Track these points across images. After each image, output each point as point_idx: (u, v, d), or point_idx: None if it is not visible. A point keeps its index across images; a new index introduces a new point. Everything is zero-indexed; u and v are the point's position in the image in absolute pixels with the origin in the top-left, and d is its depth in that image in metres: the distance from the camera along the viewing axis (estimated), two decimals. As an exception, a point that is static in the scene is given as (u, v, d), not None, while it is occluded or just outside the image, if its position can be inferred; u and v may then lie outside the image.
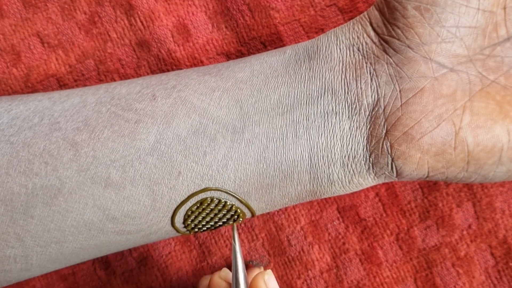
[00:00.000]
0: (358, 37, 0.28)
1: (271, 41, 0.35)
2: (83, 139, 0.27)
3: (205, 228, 0.30)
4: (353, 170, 0.28)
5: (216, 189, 0.28)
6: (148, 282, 0.35)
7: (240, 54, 0.35)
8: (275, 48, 0.35)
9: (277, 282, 0.35)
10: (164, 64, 0.35)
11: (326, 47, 0.28)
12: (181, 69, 0.35)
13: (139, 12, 0.35)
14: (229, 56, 0.35)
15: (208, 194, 0.28)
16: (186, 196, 0.28)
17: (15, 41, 0.35)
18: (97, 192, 0.27)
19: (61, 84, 0.35)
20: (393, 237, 0.35)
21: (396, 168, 0.27)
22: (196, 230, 0.30)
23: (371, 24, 0.28)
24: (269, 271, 0.28)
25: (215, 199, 0.28)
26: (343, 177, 0.28)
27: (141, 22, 0.35)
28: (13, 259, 0.28)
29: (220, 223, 0.30)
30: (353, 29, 0.28)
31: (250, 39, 0.35)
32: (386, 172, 0.28)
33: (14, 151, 0.27)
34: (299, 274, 0.35)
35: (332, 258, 0.35)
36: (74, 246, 0.29)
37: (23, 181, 0.27)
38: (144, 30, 0.35)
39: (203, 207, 0.29)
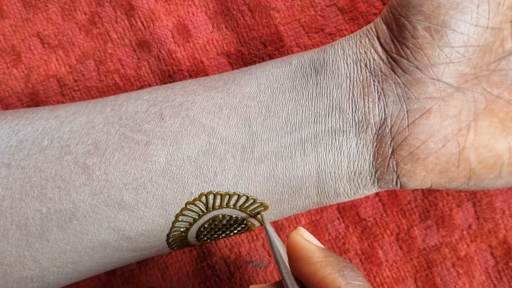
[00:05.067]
0: (365, 52, 0.28)
1: (271, 41, 0.35)
2: (94, 163, 0.27)
3: (217, 239, 0.31)
4: (358, 184, 0.28)
5: (227, 207, 0.28)
6: (148, 282, 0.35)
7: (240, 54, 0.35)
8: (275, 48, 0.35)
9: (278, 282, 0.35)
10: (165, 64, 0.35)
11: (333, 61, 0.28)
12: (181, 69, 0.35)
13: (139, 13, 0.35)
14: (229, 56, 0.35)
15: (219, 212, 0.28)
16: (198, 215, 0.28)
17: (16, 42, 0.35)
18: (111, 214, 0.27)
19: (61, 84, 0.35)
20: (393, 237, 0.35)
21: (400, 183, 0.28)
22: (208, 241, 0.31)
23: (378, 39, 0.28)
24: (300, 227, 0.27)
25: (226, 215, 0.29)
26: (349, 190, 0.29)
27: (142, 22, 0.35)
28: (30, 279, 0.29)
29: (231, 234, 0.31)
30: (360, 42, 0.28)
31: (250, 39, 0.35)
32: (390, 186, 0.28)
33: (26, 176, 0.28)
34: (300, 274, 0.35)
35: (332, 258, 0.35)
36: (90, 264, 0.29)
37: (37, 206, 0.27)
38: (144, 31, 0.35)
39: (215, 223, 0.29)
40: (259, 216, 0.29)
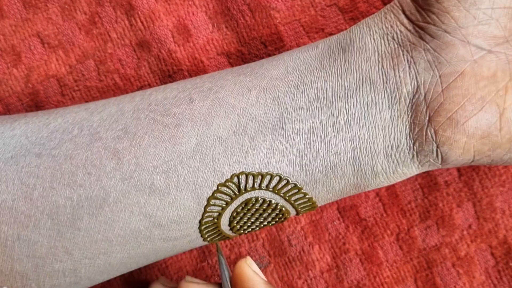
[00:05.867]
0: (391, 26, 0.27)
1: (272, 41, 0.35)
2: (124, 147, 0.27)
3: (250, 229, 0.30)
4: (397, 160, 0.28)
5: (260, 189, 0.28)
6: (148, 282, 0.35)
7: (240, 54, 0.35)
8: (275, 48, 0.35)
9: (278, 282, 0.35)
10: (165, 64, 0.35)
11: (359, 38, 0.28)
12: (181, 69, 0.35)
13: (139, 13, 0.35)
14: (229, 56, 0.35)
15: (252, 194, 0.28)
16: (230, 198, 0.28)
17: (16, 42, 0.35)
18: (142, 200, 0.27)
19: (62, 84, 0.35)
20: (394, 237, 0.35)
21: (441, 155, 0.27)
22: (242, 231, 0.30)
23: (403, 12, 0.27)
24: (249, 257, 0.28)
25: (259, 198, 0.28)
26: (387, 168, 0.28)
27: (142, 22, 0.35)
28: (62, 273, 0.28)
29: (265, 223, 0.30)
30: (385, 18, 0.28)
31: (251, 39, 0.35)
32: (430, 160, 0.27)
33: (57, 164, 0.27)
34: (300, 274, 0.35)
35: (333, 258, 0.35)
36: (122, 255, 0.29)
37: (67, 193, 0.27)
38: (144, 31, 0.35)
39: (248, 207, 0.28)
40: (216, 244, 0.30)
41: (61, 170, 0.27)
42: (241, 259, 0.28)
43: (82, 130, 0.28)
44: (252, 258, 0.35)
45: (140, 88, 0.35)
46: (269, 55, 0.35)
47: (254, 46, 0.35)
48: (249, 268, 0.26)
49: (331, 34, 0.35)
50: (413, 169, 0.28)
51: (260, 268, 0.35)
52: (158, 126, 0.28)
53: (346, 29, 0.35)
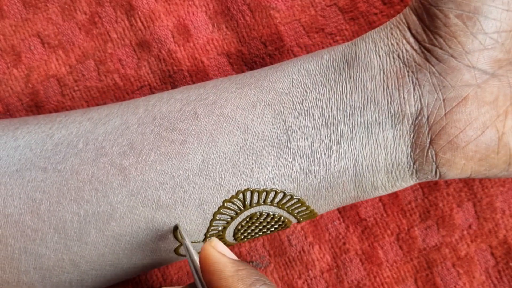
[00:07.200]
0: (397, 43, 0.28)
1: (272, 41, 0.35)
2: (130, 163, 0.27)
3: (253, 238, 0.31)
4: (396, 177, 0.28)
5: (265, 204, 0.28)
6: (148, 282, 0.35)
7: (240, 54, 0.35)
8: (275, 48, 0.35)
9: (278, 282, 0.35)
10: (165, 64, 0.35)
11: (365, 54, 0.28)
12: (181, 69, 0.35)
13: (139, 13, 0.35)
14: (229, 56, 0.35)
15: (257, 209, 0.28)
16: (235, 213, 0.28)
17: (16, 42, 0.35)
18: (149, 215, 0.27)
19: (61, 84, 0.35)
20: (394, 237, 0.35)
21: (440, 173, 0.28)
22: (245, 240, 0.30)
23: (409, 30, 0.27)
24: (214, 238, 0.27)
25: (264, 213, 0.29)
26: (387, 183, 0.28)
27: (142, 22, 0.35)
28: (69, 283, 0.29)
29: (268, 232, 0.30)
30: (391, 34, 0.28)
31: (251, 39, 0.35)
32: (429, 177, 0.28)
33: (63, 179, 0.27)
34: (300, 274, 0.35)
35: (333, 258, 0.35)
36: (128, 266, 0.29)
37: (74, 208, 0.27)
38: (144, 31, 0.35)
39: (253, 221, 0.29)
40: (177, 232, 0.28)
41: (68, 185, 0.27)
42: (206, 242, 0.26)
43: (87, 144, 0.28)
44: (252, 258, 0.35)
45: (140, 88, 0.35)
46: (269, 55, 0.35)
47: (254, 46, 0.35)
48: (214, 250, 0.25)
49: (331, 34, 0.35)
50: (411, 183, 0.29)
51: (260, 268, 0.35)
52: (164, 142, 0.28)
53: (346, 29, 0.35)
